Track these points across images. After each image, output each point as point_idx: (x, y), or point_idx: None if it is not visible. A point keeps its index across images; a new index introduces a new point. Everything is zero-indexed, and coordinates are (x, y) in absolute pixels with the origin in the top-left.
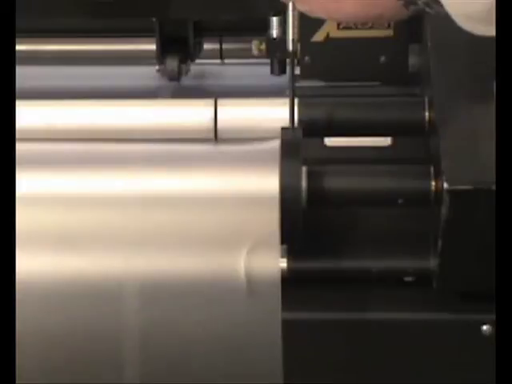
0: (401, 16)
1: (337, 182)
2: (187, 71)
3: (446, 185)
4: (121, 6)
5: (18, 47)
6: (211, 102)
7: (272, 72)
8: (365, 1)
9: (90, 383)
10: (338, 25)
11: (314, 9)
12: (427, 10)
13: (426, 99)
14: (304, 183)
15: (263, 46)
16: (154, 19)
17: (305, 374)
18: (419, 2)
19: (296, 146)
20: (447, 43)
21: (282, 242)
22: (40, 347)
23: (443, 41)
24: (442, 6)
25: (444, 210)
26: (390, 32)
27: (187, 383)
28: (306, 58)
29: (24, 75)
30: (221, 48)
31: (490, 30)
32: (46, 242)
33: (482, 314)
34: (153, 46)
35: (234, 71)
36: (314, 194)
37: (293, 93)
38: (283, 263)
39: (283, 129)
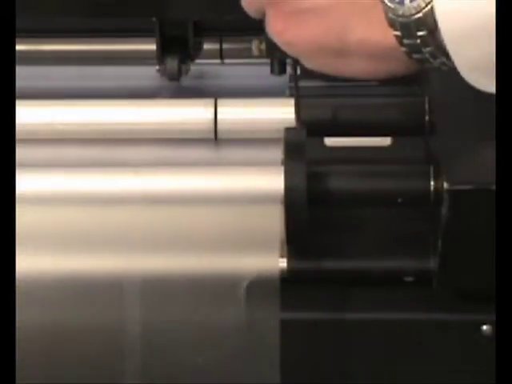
0: (414, 70)
1: (336, 182)
2: (187, 71)
3: (445, 185)
4: (121, 6)
5: (18, 47)
6: (211, 101)
7: (272, 72)
8: (379, 61)
9: (91, 382)
10: None
11: (324, 67)
12: (443, 67)
13: (426, 99)
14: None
15: (263, 46)
16: (154, 19)
17: (302, 374)
18: (434, 62)
19: (300, 146)
20: None
21: (287, 242)
22: (40, 347)
23: None
24: (450, 59)
25: (444, 210)
26: None
27: (186, 382)
28: None
29: (24, 75)
30: (221, 48)
31: (493, 84)
32: (47, 241)
33: (482, 314)
34: (153, 46)
35: (234, 71)
36: (314, 194)
37: (297, 93)
38: (283, 263)
39: (287, 129)
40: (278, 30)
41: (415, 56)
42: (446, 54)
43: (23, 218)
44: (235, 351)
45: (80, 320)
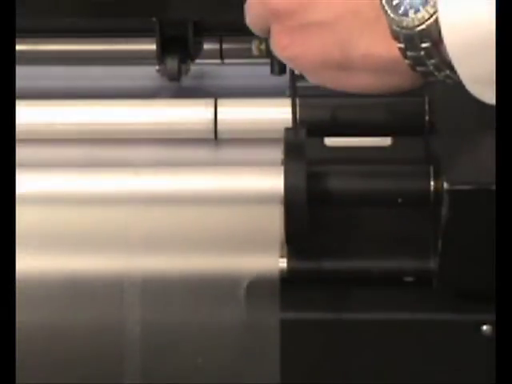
0: (419, 84)
1: (336, 182)
2: (187, 71)
3: (446, 185)
4: (121, 6)
5: (18, 47)
6: (211, 101)
7: (272, 72)
8: (383, 75)
9: (91, 382)
10: None
11: (326, 81)
12: (447, 81)
13: (426, 99)
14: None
15: (263, 46)
16: (154, 19)
17: (302, 374)
18: (438, 75)
19: (300, 146)
20: None
21: (287, 242)
22: (40, 347)
23: None
24: (455, 72)
25: (444, 210)
26: None
27: (185, 382)
28: None
29: (24, 75)
30: (221, 48)
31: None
32: (47, 241)
33: (482, 314)
34: (153, 46)
35: (234, 71)
36: (314, 194)
37: (294, 93)
38: (283, 263)
39: (287, 129)
40: (283, 45)
41: (419, 69)
42: (451, 67)
43: (23, 218)
44: (235, 351)
45: (80, 320)
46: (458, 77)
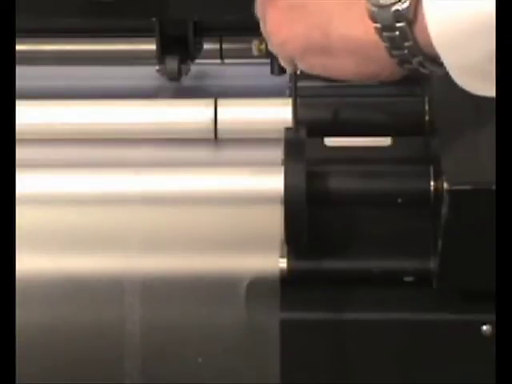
0: (397, 75)
1: (336, 182)
2: (187, 71)
3: (445, 185)
4: (121, 5)
5: (18, 47)
6: (211, 101)
7: (272, 72)
8: (362, 60)
9: (91, 382)
10: None
11: (315, 67)
12: (422, 70)
13: (426, 99)
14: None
15: (263, 46)
16: (154, 19)
17: (302, 374)
18: (413, 62)
19: (300, 146)
20: None
21: (287, 242)
22: (40, 347)
23: None
24: (436, 65)
25: (444, 210)
26: None
27: (185, 382)
28: None
29: (24, 75)
30: (221, 48)
31: (487, 87)
32: (47, 241)
33: (482, 314)
34: (153, 46)
35: (234, 71)
36: (314, 194)
37: (295, 93)
38: (283, 263)
39: (287, 129)
40: (273, 30)
41: (395, 53)
42: (424, 53)
43: (23, 217)
44: (235, 351)
45: (80, 320)
46: (432, 64)
